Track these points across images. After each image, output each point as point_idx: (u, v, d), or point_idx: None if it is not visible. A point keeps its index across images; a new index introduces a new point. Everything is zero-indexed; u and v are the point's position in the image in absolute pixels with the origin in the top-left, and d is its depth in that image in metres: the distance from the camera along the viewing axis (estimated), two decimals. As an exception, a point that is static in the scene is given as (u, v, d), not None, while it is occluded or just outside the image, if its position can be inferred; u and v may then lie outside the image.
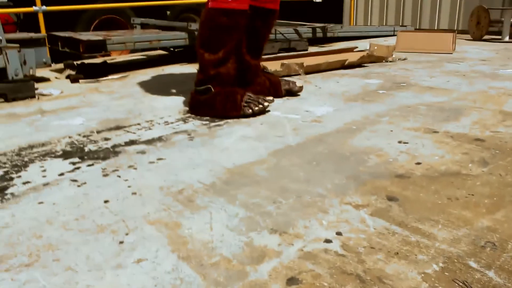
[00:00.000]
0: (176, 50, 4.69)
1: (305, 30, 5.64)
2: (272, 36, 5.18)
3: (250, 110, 2.21)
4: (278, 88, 2.64)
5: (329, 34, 5.98)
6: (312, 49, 5.37)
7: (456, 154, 1.65)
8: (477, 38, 6.56)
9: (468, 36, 6.87)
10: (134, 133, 2.00)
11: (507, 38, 6.11)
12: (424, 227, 1.15)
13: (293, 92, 2.68)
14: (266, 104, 2.24)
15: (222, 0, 2.19)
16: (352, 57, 3.87)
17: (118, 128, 2.09)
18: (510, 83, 3.01)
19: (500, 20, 6.37)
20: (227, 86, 2.29)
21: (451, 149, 1.71)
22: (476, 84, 3.02)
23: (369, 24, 9.25)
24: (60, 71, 3.86)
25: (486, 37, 6.63)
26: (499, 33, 6.46)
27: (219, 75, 2.27)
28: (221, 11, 2.20)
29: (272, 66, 3.44)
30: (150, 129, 2.06)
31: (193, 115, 2.28)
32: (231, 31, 2.25)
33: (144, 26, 5.02)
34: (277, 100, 2.59)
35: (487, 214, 1.21)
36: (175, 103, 2.57)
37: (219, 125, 2.10)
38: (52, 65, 4.18)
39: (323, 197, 1.32)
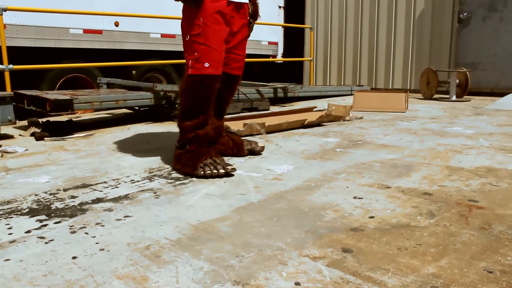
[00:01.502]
0: (141, 109, 4.79)
1: (267, 90, 5.84)
2: (235, 97, 5.35)
3: (202, 172, 2.27)
4: (241, 148, 2.75)
5: (289, 94, 6.21)
6: (273, 108, 5.56)
7: (406, 208, 1.77)
8: (428, 97, 6.94)
9: (420, 95, 7.25)
10: (101, 191, 2.05)
11: (454, 97, 6.50)
12: (376, 275, 1.24)
13: (255, 152, 2.79)
14: (222, 171, 2.27)
15: (200, 67, 2.34)
16: (311, 117, 4.05)
17: (85, 186, 2.13)
18: (456, 140, 3.22)
19: (447, 81, 6.79)
20: (204, 145, 2.43)
21: (402, 203, 1.83)
22: (426, 141, 3.21)
23: (328, 84, 9.63)
24: (24, 128, 3.87)
25: (435, 96, 7.04)
26: (447, 92, 6.87)
27: (197, 136, 2.41)
28: (200, 78, 2.35)
29: (235, 125, 3.57)
30: (116, 187, 2.11)
31: (158, 172, 2.35)
32: (210, 96, 2.41)
33: (110, 85, 5.12)
34: (239, 159, 2.69)
35: (432, 262, 1.31)
36: (141, 162, 2.63)
37: (184, 184, 2.17)
38: (17, 122, 4.19)
39: (283, 250, 1.40)
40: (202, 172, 2.28)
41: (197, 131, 2.41)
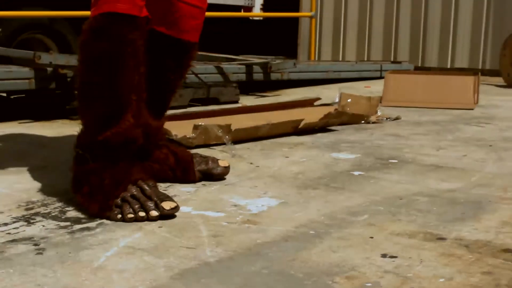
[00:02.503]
0: (12, 97, 4.77)
1: (235, 68, 5.88)
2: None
3: (119, 216, 2.25)
4: (189, 168, 2.77)
5: (274, 76, 6.26)
6: (246, 100, 5.58)
7: (473, 275, 1.81)
8: (514, 85, 7.06)
9: (500, 80, 7.36)
10: None
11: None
12: None
13: (213, 175, 2.82)
14: (154, 213, 2.26)
15: (107, 0, 2.33)
16: (311, 116, 4.10)
17: None
18: (561, 160, 3.31)
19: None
20: (122, 159, 2.40)
21: (466, 266, 1.87)
22: (509, 160, 3.28)
23: (341, 59, 9.72)
24: None
25: (528, 83, 7.16)
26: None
27: (108, 141, 2.36)
28: (109, 20, 2.33)
29: (180, 129, 3.58)
30: (-33, 235, 2.10)
31: (43, 208, 2.35)
32: (130, 60, 2.38)
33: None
34: (187, 188, 2.70)
35: None
36: (11, 191, 2.62)
37: (88, 229, 2.17)
38: None
39: None
40: (119, 215, 2.26)
41: (109, 129, 2.37)
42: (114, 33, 2.35)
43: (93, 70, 2.39)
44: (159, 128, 2.73)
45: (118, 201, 2.28)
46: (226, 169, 2.85)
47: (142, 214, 2.25)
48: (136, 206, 2.27)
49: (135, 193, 2.31)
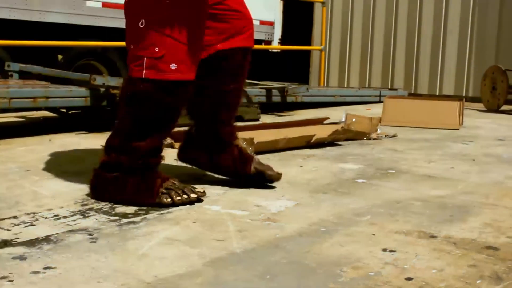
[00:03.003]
0: (70, 112, 4.80)
1: (257, 91, 5.89)
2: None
3: (170, 199, 2.38)
4: (247, 162, 2.74)
5: (290, 99, 6.27)
6: (266, 118, 5.60)
7: (461, 267, 1.80)
8: (493, 108, 7.05)
9: (481, 106, 7.36)
10: (8, 230, 2.05)
11: (532, 111, 6.61)
12: None
13: (265, 176, 2.76)
14: (193, 196, 2.42)
15: (164, 69, 2.32)
16: (321, 132, 4.10)
17: (-16, 223, 2.14)
18: (534, 173, 3.29)
19: (523, 87, 6.88)
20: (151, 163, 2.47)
21: (454, 260, 1.87)
22: (489, 172, 3.27)
23: (346, 86, 9.73)
24: None
25: (504, 107, 7.14)
26: (522, 103, 6.96)
27: (148, 165, 2.44)
28: (162, 84, 2.34)
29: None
30: (32, 225, 2.12)
31: (96, 204, 2.36)
32: (177, 109, 2.46)
33: (24, 75, 5.13)
34: (216, 190, 2.71)
35: None
36: (69, 189, 2.64)
37: (133, 222, 2.18)
38: None
39: (280, 323, 1.42)
40: (169, 199, 2.38)
41: (149, 159, 2.44)
42: (173, 92, 2.39)
43: (144, 116, 2.42)
44: (232, 132, 2.81)
45: (163, 190, 2.39)
46: (279, 175, 2.80)
47: (185, 196, 2.40)
48: (179, 191, 2.40)
49: (170, 185, 2.42)
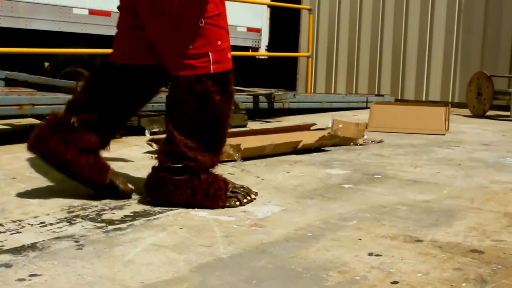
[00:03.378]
0: (56, 120, 4.79)
1: (243, 98, 5.91)
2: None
3: (238, 202, 2.52)
4: (104, 171, 2.62)
5: (277, 105, 6.29)
6: (253, 124, 5.60)
7: (446, 270, 1.81)
8: (478, 114, 7.10)
9: (467, 111, 7.40)
10: (-6, 238, 2.04)
11: (517, 116, 6.65)
12: None
13: (117, 190, 2.63)
14: (254, 196, 2.64)
15: (226, 60, 2.50)
16: (308, 138, 4.11)
17: (-30, 231, 2.13)
18: (519, 177, 3.31)
19: (508, 92, 6.92)
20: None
21: (440, 263, 1.88)
22: (475, 177, 3.29)
23: (333, 92, 9.77)
24: None
25: (489, 112, 7.19)
26: (507, 107, 7.00)
27: (202, 163, 2.51)
28: (227, 76, 2.51)
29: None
30: (18, 232, 2.11)
31: (82, 211, 2.35)
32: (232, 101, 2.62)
33: (10, 82, 5.12)
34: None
35: None
36: (55, 197, 2.63)
37: (120, 229, 2.18)
38: None
39: (266, 327, 1.42)
40: (237, 203, 2.54)
41: (204, 157, 2.52)
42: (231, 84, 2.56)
43: (216, 120, 2.54)
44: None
45: (230, 193, 2.54)
46: (131, 191, 2.67)
47: (249, 198, 2.59)
48: (244, 194, 2.58)
49: (238, 190, 2.57)
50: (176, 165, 2.47)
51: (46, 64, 6.81)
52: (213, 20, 2.46)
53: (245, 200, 2.55)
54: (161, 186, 2.50)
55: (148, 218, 2.32)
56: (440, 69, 8.80)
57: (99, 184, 2.59)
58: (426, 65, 8.92)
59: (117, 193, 2.62)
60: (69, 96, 4.36)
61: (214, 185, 2.50)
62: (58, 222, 2.25)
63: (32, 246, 1.96)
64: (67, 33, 6.72)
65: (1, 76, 5.14)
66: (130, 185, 2.69)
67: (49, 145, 2.54)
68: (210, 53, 2.45)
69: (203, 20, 2.44)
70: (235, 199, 2.52)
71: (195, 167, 2.48)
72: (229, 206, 2.50)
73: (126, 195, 2.64)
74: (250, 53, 9.27)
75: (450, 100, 8.51)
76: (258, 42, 9.38)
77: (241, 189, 2.59)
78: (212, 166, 2.56)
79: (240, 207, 2.52)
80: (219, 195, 2.49)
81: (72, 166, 2.55)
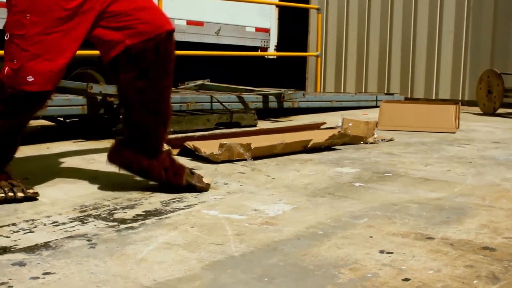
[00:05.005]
0: (68, 120, 4.81)
1: (253, 98, 5.91)
2: (207, 105, 5.41)
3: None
4: (180, 173, 2.74)
5: (286, 104, 6.29)
6: (263, 124, 5.61)
7: (457, 268, 1.81)
8: (489, 112, 7.07)
9: (477, 109, 7.38)
10: (7, 237, 2.06)
11: (528, 114, 6.63)
12: None
13: (195, 188, 2.76)
14: (20, 194, 2.53)
15: (20, 81, 2.44)
16: (318, 137, 4.11)
17: (-17, 230, 2.15)
18: (530, 174, 3.30)
19: (518, 89, 6.90)
20: None
21: (451, 260, 1.88)
22: (486, 174, 3.28)
23: (342, 91, 9.76)
24: None
25: (500, 110, 7.16)
26: (518, 106, 6.98)
27: None
28: (21, 94, 2.47)
29: (208, 147, 3.61)
30: (31, 231, 2.13)
31: (95, 211, 2.37)
32: (23, 124, 2.73)
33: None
34: (214, 195, 2.72)
35: None
36: (68, 196, 2.65)
37: (132, 228, 2.19)
38: None
39: (279, 324, 1.43)
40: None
41: None
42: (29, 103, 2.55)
43: None
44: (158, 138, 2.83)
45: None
46: (208, 186, 2.80)
47: (10, 194, 2.52)
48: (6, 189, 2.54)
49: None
50: None
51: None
52: (16, 39, 2.42)
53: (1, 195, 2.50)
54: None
55: (160, 217, 2.34)
56: (450, 67, 8.77)
57: (177, 185, 2.72)
58: (435, 63, 8.90)
59: (195, 191, 2.76)
60: (80, 98, 4.42)
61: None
62: (71, 222, 2.27)
63: (45, 245, 1.98)
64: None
65: (12, 78, 5.15)
66: (206, 180, 2.82)
67: (125, 157, 2.71)
68: (6, 68, 2.45)
69: (8, 35, 2.44)
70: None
71: None
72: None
73: (204, 191, 2.78)
74: (259, 53, 9.28)
75: (460, 98, 8.48)
76: (267, 42, 9.39)
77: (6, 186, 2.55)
78: None
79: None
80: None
81: (150, 172, 2.72)
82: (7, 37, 2.44)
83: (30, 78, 2.42)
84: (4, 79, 2.43)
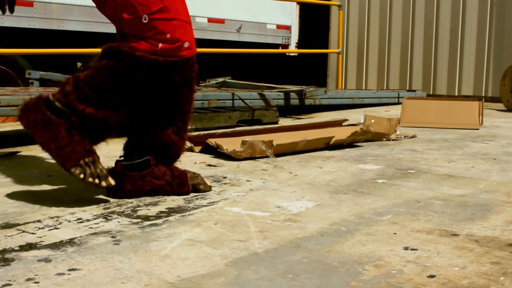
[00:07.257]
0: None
1: (275, 95, 5.91)
2: (229, 103, 5.41)
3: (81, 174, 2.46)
4: (184, 181, 2.72)
5: (308, 101, 6.28)
6: (284, 121, 5.61)
7: (483, 264, 1.80)
8: (513, 109, 7.01)
9: (500, 106, 7.32)
10: (33, 233, 2.08)
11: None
12: None
13: (199, 190, 2.75)
14: (103, 183, 2.48)
15: (178, 47, 2.51)
16: (340, 134, 4.11)
17: (8, 226, 2.16)
18: (556, 171, 3.27)
19: (542, 85, 6.84)
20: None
21: (477, 257, 1.87)
22: (510, 171, 3.26)
23: (363, 88, 9.73)
24: None
25: (524, 107, 7.11)
26: (542, 102, 6.92)
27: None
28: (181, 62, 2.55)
29: (230, 144, 3.62)
30: (56, 228, 2.15)
31: (118, 208, 2.38)
32: None
33: (44, 82, 5.19)
34: (237, 192, 2.73)
35: None
36: (92, 194, 2.66)
37: (156, 224, 2.20)
38: None
39: (303, 320, 1.43)
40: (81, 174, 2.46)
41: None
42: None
43: None
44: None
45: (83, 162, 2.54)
46: (210, 188, 2.78)
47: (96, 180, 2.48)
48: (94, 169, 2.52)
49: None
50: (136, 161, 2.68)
51: (79, 64, 6.87)
52: (158, 15, 2.47)
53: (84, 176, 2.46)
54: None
55: (183, 214, 2.34)
56: (473, 63, 8.71)
57: (185, 194, 2.71)
58: (458, 59, 8.84)
59: (199, 192, 2.75)
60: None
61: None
62: (95, 218, 2.28)
63: (70, 242, 1.99)
64: (99, 33, 6.78)
65: (36, 76, 5.21)
66: (209, 182, 2.81)
67: (126, 189, 2.63)
68: (160, 43, 2.50)
69: (146, 17, 2.47)
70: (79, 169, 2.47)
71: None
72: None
73: (207, 191, 2.77)
74: (280, 50, 9.27)
75: (483, 95, 8.42)
76: (288, 39, 9.39)
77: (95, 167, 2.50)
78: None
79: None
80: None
81: (156, 192, 2.68)
82: (145, 19, 2.46)
83: (186, 44, 2.52)
84: (159, 57, 2.47)
